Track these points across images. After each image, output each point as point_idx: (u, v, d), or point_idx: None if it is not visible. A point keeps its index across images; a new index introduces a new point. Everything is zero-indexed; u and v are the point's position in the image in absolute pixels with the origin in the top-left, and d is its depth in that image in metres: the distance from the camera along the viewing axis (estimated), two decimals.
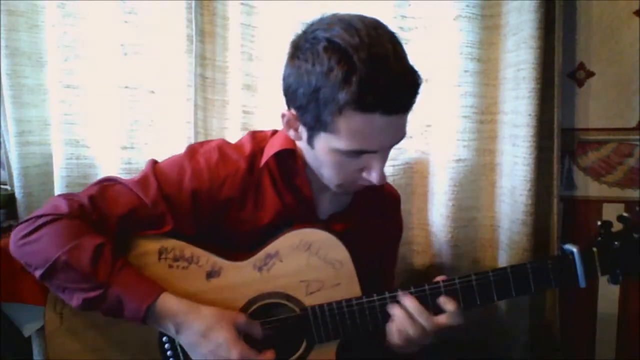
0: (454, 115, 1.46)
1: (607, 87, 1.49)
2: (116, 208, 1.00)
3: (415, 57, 0.92)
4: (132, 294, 0.93)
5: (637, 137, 1.48)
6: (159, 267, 1.01)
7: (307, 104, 0.90)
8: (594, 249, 1.00)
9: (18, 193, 1.59)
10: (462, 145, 1.47)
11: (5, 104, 1.55)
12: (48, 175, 1.60)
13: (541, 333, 1.51)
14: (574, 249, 1.00)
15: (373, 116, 0.86)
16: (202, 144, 1.11)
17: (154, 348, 1.02)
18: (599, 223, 1.02)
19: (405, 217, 1.36)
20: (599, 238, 1.01)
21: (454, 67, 1.44)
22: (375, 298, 1.01)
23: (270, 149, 1.06)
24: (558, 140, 1.43)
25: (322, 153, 0.96)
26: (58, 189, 1.55)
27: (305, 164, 1.05)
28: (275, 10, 1.54)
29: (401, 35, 1.24)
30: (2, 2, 1.51)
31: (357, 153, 0.93)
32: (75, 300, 0.94)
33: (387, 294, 1.00)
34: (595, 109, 1.51)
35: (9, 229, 1.46)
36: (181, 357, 1.01)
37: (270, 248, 1.02)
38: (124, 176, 1.18)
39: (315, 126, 0.92)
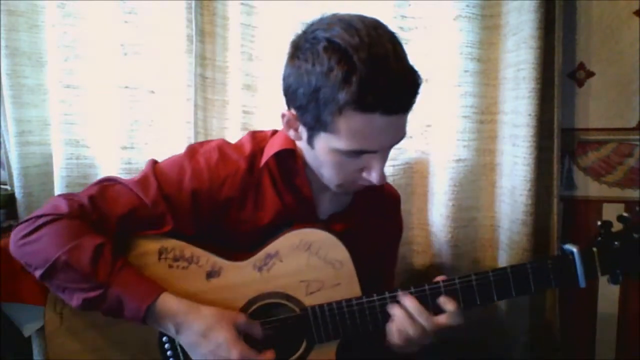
0: (454, 115, 1.46)
1: (607, 87, 1.49)
2: (116, 208, 1.00)
3: (415, 57, 0.92)
4: (132, 294, 0.93)
5: (637, 137, 1.48)
6: (159, 267, 1.01)
7: (307, 104, 0.90)
8: (594, 249, 1.00)
9: (18, 193, 1.59)
10: (462, 145, 1.47)
11: (5, 104, 1.55)
12: (48, 175, 1.60)
13: (541, 333, 1.51)
14: (574, 249, 1.00)
15: (373, 116, 0.86)
16: (202, 144, 1.11)
17: (154, 348, 1.02)
18: (599, 223, 1.02)
19: (405, 217, 1.36)
20: (599, 238, 1.01)
21: (454, 67, 1.44)
22: (375, 298, 1.01)
23: (270, 149, 1.06)
24: (558, 140, 1.43)
25: (322, 153, 0.96)
26: (58, 189, 1.55)
27: (305, 164, 1.05)
28: (275, 10, 1.54)
29: (401, 35, 1.24)
30: (2, 2, 1.51)
31: (357, 153, 0.93)
32: (75, 300, 0.94)
33: (387, 294, 1.00)
34: (595, 109, 1.51)
35: (9, 229, 1.46)
36: (181, 357, 1.01)
37: (270, 248, 1.02)
38: (124, 176, 1.18)
39: (315, 126, 0.92)
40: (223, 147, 1.08)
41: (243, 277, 1.02)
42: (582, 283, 1.00)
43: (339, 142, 0.91)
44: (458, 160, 1.47)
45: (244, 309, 1.01)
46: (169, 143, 1.54)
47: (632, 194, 1.50)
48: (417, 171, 1.59)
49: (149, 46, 1.52)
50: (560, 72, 1.41)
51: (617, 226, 1.01)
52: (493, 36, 1.46)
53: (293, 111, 0.95)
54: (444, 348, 1.07)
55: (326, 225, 1.07)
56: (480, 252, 1.56)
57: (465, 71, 1.44)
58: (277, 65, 0.99)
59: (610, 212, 1.50)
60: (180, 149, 1.11)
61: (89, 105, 1.56)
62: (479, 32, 1.44)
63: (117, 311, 0.93)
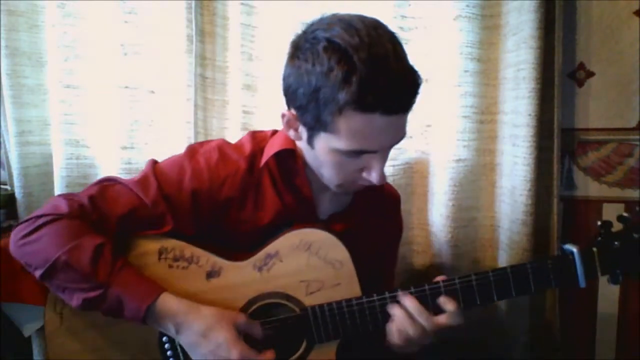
0: (454, 115, 1.46)
1: (607, 87, 1.49)
2: (116, 208, 1.00)
3: (415, 57, 0.92)
4: (132, 294, 0.93)
5: (637, 137, 1.48)
6: (159, 267, 1.01)
7: (307, 104, 0.90)
8: (594, 249, 1.00)
9: (18, 193, 1.59)
10: (462, 145, 1.47)
11: (5, 104, 1.55)
12: (48, 175, 1.60)
13: (541, 333, 1.51)
14: (574, 249, 1.00)
15: (373, 116, 0.86)
16: (202, 144, 1.11)
17: (154, 348, 1.02)
18: (599, 223, 1.02)
19: (405, 217, 1.36)
20: (599, 238, 1.01)
21: (454, 67, 1.44)
22: (375, 298, 1.01)
23: (271, 149, 1.05)
24: (558, 140, 1.43)
25: (322, 153, 0.96)
26: (58, 189, 1.55)
27: (305, 163, 1.05)
28: (275, 10, 1.54)
29: (401, 35, 1.24)
30: (2, 2, 1.51)
31: (357, 153, 0.93)
32: (75, 300, 0.94)
33: (387, 294, 1.00)
34: (595, 109, 1.51)
35: (9, 229, 1.46)
36: (181, 357, 1.01)
37: (270, 248, 1.02)
38: (124, 176, 1.18)
39: (315, 126, 0.92)
40: (223, 147, 1.08)
41: (243, 277, 1.02)
42: (582, 283, 1.00)
43: (339, 142, 0.91)
44: (458, 160, 1.47)
45: (243, 309, 1.01)
46: (169, 143, 1.54)
47: (632, 194, 1.50)
48: (417, 171, 1.59)
49: (149, 46, 1.52)
50: (560, 72, 1.41)
51: (617, 226, 1.01)
52: (493, 36, 1.46)
53: (293, 111, 0.95)
54: (444, 348, 1.07)
55: (326, 225, 1.07)
56: (480, 252, 1.56)
57: (465, 71, 1.44)
58: (277, 65, 0.99)
59: (610, 212, 1.50)
60: (180, 149, 1.11)
61: (89, 105, 1.56)
62: (479, 32, 1.44)
63: (117, 311, 0.93)
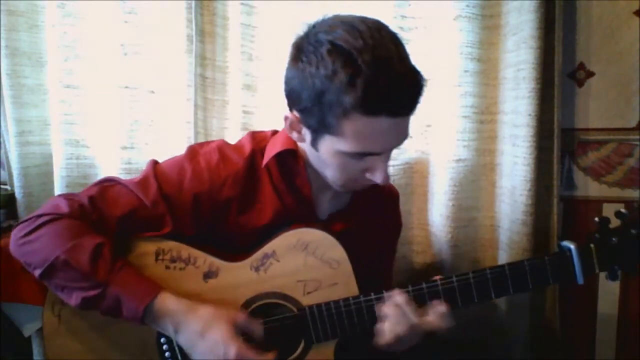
0: (454, 115, 1.46)
1: (607, 87, 1.49)
2: (116, 208, 1.00)
3: (415, 57, 0.92)
4: (131, 294, 0.93)
5: (637, 137, 1.48)
6: (157, 269, 1.01)
7: (311, 107, 0.90)
8: (592, 245, 1.00)
9: (18, 193, 1.59)
10: (462, 145, 1.47)
11: (5, 104, 1.55)
12: (48, 175, 1.60)
13: (541, 333, 1.51)
14: (572, 246, 1.00)
15: (378, 119, 0.86)
16: (202, 145, 1.11)
17: (152, 348, 1.02)
18: (596, 219, 1.02)
19: (405, 217, 1.36)
20: (597, 234, 1.01)
21: (454, 67, 1.44)
22: (372, 297, 1.01)
23: (272, 149, 1.05)
24: (558, 140, 1.43)
25: (326, 155, 0.96)
26: (58, 189, 1.55)
27: (306, 164, 1.05)
28: (275, 10, 1.54)
29: (401, 35, 1.24)
30: (2, 2, 1.51)
31: (361, 155, 0.93)
32: (74, 299, 0.94)
33: (384, 293, 1.00)
34: (595, 109, 1.51)
35: (9, 229, 1.46)
36: (179, 357, 1.01)
37: (267, 248, 1.02)
38: (124, 176, 1.18)
39: (320, 129, 0.92)
40: (223, 147, 1.08)
41: (240, 278, 1.02)
42: (580, 279, 1.00)
43: (344, 145, 0.91)
44: (458, 160, 1.47)
45: (241, 310, 1.01)
46: (169, 143, 1.54)
47: (632, 194, 1.50)
48: (417, 171, 1.58)
49: (149, 46, 1.52)
50: (560, 72, 1.41)
51: (615, 222, 1.01)
52: (493, 36, 1.46)
53: (296, 113, 0.95)
54: (444, 348, 1.07)
55: (326, 225, 1.07)
56: (480, 252, 1.56)
57: (465, 71, 1.44)
58: (277, 65, 0.99)
59: (610, 212, 1.47)
60: (180, 149, 1.11)
61: (89, 105, 1.56)
62: (479, 32, 1.44)
63: (115, 310, 0.93)
